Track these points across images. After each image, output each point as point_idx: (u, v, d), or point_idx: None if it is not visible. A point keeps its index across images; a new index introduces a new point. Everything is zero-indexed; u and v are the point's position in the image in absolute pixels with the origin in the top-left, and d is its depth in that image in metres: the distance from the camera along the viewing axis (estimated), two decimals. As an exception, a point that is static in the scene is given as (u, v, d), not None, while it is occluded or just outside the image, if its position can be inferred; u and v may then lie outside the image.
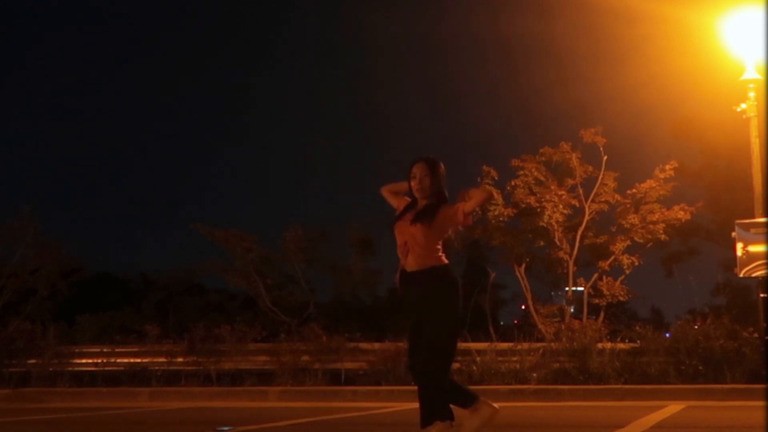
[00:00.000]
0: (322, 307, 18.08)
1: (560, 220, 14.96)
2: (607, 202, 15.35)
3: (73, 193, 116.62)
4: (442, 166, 4.86)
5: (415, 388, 4.73)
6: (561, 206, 14.84)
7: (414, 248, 4.70)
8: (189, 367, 13.44)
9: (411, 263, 4.72)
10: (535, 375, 12.03)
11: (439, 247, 4.79)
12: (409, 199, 4.94)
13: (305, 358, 13.05)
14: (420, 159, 4.84)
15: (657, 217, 14.86)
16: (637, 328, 12.64)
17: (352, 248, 19.15)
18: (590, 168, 15.51)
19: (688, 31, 15.24)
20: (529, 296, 15.69)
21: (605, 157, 15.42)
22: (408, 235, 4.74)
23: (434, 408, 4.59)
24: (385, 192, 5.10)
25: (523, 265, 15.61)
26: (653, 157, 21.34)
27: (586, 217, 15.20)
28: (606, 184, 15.41)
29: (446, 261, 4.78)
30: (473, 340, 13.54)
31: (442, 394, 4.62)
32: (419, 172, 4.78)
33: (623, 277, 15.31)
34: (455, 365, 12.34)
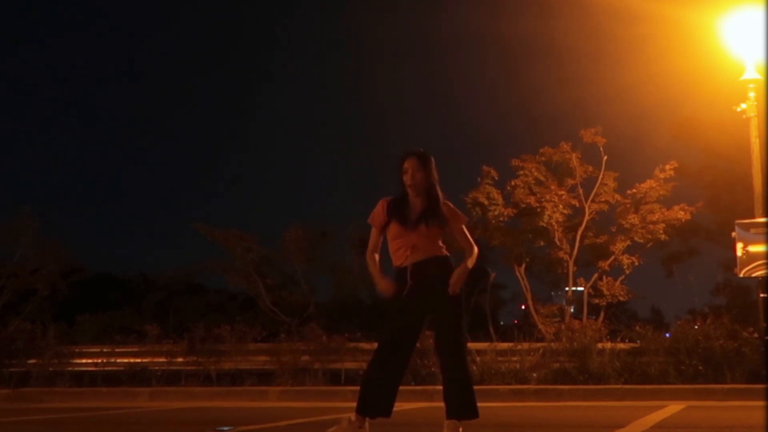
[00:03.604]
0: (322, 307, 18.06)
1: (560, 220, 14.96)
2: (607, 202, 15.36)
3: (73, 193, 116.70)
4: (432, 160, 4.78)
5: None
6: (561, 206, 14.85)
7: (420, 248, 4.71)
8: (189, 367, 13.43)
9: (416, 256, 4.69)
10: (535, 375, 12.02)
11: (441, 244, 4.82)
12: (387, 200, 4.83)
13: (305, 358, 13.04)
14: (411, 153, 4.75)
15: (657, 217, 14.87)
16: (637, 328, 12.63)
17: (352, 248, 19.14)
18: (590, 168, 15.52)
19: (688, 31, 15.25)
20: (529, 296, 15.70)
21: (605, 157, 15.46)
22: (415, 239, 4.70)
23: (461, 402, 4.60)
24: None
25: (523, 265, 15.62)
26: (653, 157, 21.34)
27: (586, 217, 15.21)
28: (606, 184, 15.42)
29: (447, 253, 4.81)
30: (473, 340, 13.53)
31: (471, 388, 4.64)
32: (411, 167, 4.71)
33: (623, 277, 15.32)
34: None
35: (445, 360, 4.68)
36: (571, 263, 15.12)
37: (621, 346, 12.44)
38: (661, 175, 15.24)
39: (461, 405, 4.59)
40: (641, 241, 14.99)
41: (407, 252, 4.71)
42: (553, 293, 18.35)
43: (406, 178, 4.72)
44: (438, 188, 4.78)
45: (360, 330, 14.15)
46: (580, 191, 15.34)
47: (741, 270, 12.28)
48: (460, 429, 4.58)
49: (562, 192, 15.03)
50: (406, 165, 4.72)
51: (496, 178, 15.57)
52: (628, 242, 15.01)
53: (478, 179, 15.56)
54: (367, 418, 4.62)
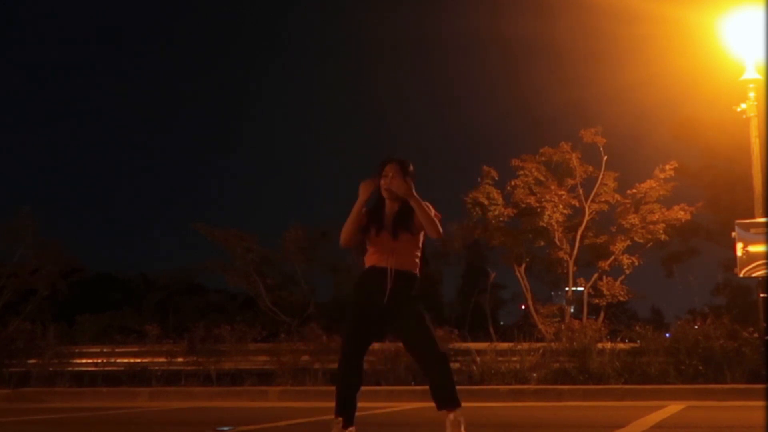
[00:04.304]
0: (322, 307, 18.05)
1: (560, 220, 14.96)
2: (607, 202, 15.35)
3: (73, 193, 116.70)
4: (412, 168, 4.85)
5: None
6: (561, 206, 14.85)
7: (401, 253, 4.77)
8: (189, 367, 13.42)
9: (398, 259, 4.74)
10: (535, 375, 12.02)
11: (419, 254, 4.85)
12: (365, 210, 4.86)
13: (305, 358, 13.04)
14: (392, 159, 4.83)
15: (657, 217, 14.86)
16: (637, 328, 12.63)
17: (352, 248, 19.09)
18: (590, 168, 15.51)
19: (688, 31, 15.24)
20: (529, 296, 15.69)
21: (605, 157, 15.45)
22: (394, 243, 4.76)
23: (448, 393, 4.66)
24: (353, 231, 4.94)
25: (523, 265, 15.61)
26: (653, 157, 21.31)
27: (586, 217, 15.20)
28: (606, 184, 15.42)
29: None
30: (473, 340, 13.52)
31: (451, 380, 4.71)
32: (391, 172, 4.76)
33: (623, 277, 15.31)
34: (455, 365, 12.36)
35: (427, 358, 4.75)
36: (571, 263, 15.11)
37: (621, 346, 12.43)
38: (661, 175, 15.23)
39: (452, 394, 4.66)
40: (641, 241, 14.98)
41: (386, 255, 4.76)
42: (553, 293, 18.36)
43: (384, 182, 4.77)
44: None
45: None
46: (580, 191, 15.33)
47: (741, 270, 12.28)
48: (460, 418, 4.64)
49: (562, 192, 15.02)
50: (387, 170, 4.78)
51: (496, 178, 15.57)
52: (628, 242, 15.00)
53: (478, 179, 15.56)
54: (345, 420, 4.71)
